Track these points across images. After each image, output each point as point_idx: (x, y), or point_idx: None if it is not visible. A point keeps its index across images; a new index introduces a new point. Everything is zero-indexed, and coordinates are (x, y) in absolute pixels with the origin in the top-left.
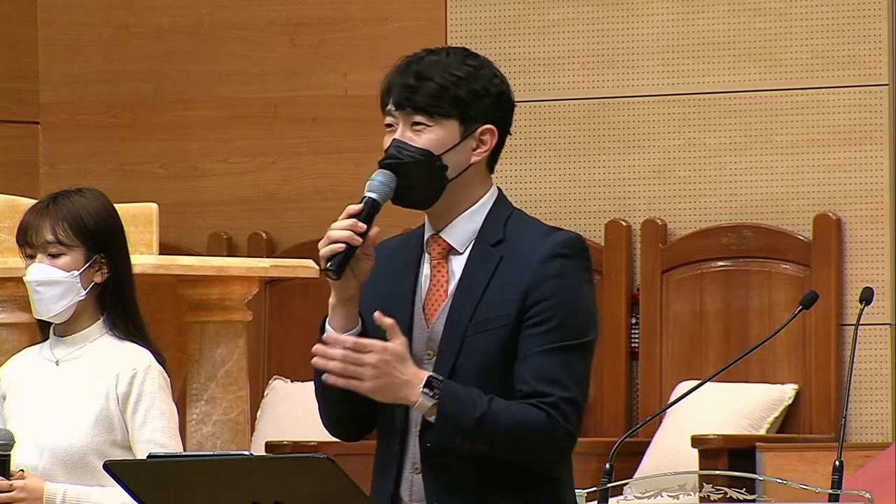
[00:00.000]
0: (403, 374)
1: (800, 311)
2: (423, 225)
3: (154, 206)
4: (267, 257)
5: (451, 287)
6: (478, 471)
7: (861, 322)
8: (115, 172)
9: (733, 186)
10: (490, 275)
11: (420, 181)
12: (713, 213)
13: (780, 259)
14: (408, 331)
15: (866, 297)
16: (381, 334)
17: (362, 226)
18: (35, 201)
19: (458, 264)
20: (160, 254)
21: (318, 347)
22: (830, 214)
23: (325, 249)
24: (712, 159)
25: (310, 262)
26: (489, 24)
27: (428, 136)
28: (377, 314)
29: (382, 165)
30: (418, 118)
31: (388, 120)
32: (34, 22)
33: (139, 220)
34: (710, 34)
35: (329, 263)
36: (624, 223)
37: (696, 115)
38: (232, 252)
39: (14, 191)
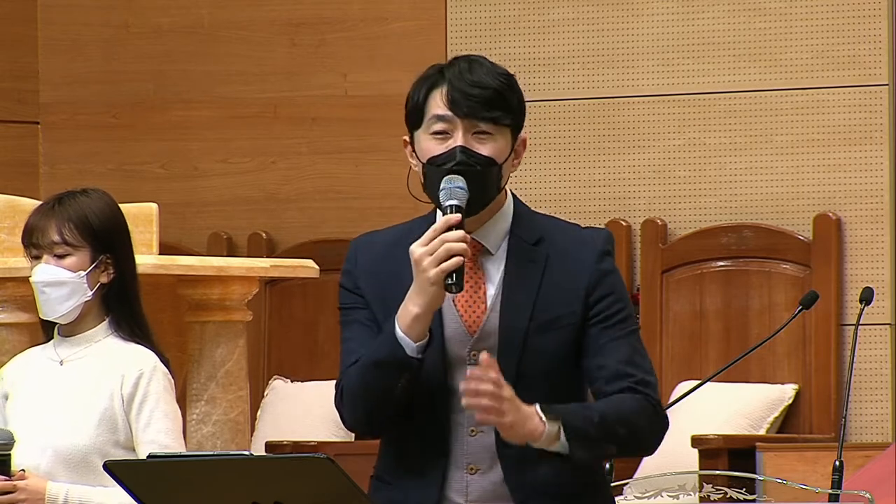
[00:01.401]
0: (523, 408)
1: (800, 311)
2: (423, 220)
3: (154, 206)
4: (267, 257)
5: (491, 289)
6: (551, 470)
7: (861, 322)
8: (115, 172)
9: (733, 186)
10: (541, 273)
11: (480, 190)
12: (713, 213)
13: (780, 259)
14: (440, 332)
15: (866, 297)
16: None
17: (468, 237)
18: (35, 201)
19: (492, 265)
20: (160, 254)
21: (468, 386)
22: (830, 214)
23: (449, 263)
24: (712, 159)
25: (310, 262)
26: (489, 24)
27: (492, 145)
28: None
29: (455, 171)
30: (484, 126)
31: (441, 127)
32: (34, 22)
33: (139, 220)
34: (710, 34)
35: (452, 277)
36: (624, 223)
37: (696, 115)
38: (232, 252)
39: (14, 191)
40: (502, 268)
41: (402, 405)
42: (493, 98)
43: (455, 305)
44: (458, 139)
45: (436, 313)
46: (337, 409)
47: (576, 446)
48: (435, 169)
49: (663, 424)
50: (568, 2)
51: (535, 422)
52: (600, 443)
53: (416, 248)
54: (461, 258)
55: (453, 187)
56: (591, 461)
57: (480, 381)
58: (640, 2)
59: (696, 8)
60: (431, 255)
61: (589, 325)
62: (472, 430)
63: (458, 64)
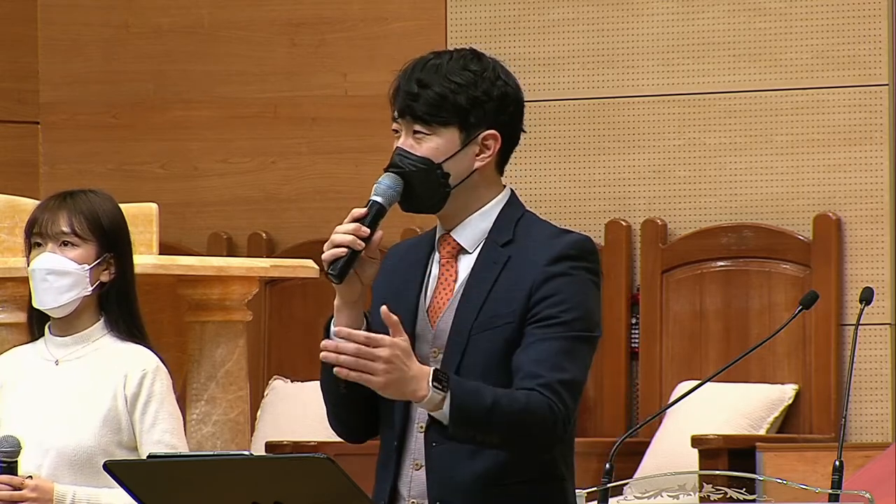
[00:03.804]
0: (411, 370)
1: (800, 311)
2: (437, 225)
3: (154, 206)
4: (267, 257)
5: (457, 286)
6: (481, 469)
7: (861, 322)
8: (115, 172)
9: (733, 186)
10: (497, 274)
11: (423, 189)
12: (713, 213)
13: (780, 259)
14: (411, 329)
15: (866, 297)
16: (387, 331)
17: (366, 230)
18: (35, 201)
19: (465, 264)
20: (160, 254)
21: (327, 343)
22: (830, 214)
23: (327, 254)
24: (712, 159)
25: (310, 262)
26: (489, 24)
27: (428, 145)
28: (383, 309)
29: (393, 172)
30: (418, 127)
31: (394, 126)
32: (34, 22)
33: (139, 220)
34: (710, 34)
35: (331, 267)
36: (624, 223)
37: (696, 115)
38: (232, 252)
39: (14, 191)
40: (471, 267)
41: (354, 403)
42: (429, 98)
43: (429, 302)
44: (401, 140)
45: (409, 311)
46: None
47: (455, 422)
48: None
49: (559, 430)
50: (568, 2)
51: (420, 385)
52: (483, 428)
53: None
54: (339, 249)
55: (379, 185)
56: (471, 442)
57: (346, 339)
58: (640, 2)
59: (696, 8)
60: None
61: (526, 324)
62: (421, 426)
63: (418, 61)
